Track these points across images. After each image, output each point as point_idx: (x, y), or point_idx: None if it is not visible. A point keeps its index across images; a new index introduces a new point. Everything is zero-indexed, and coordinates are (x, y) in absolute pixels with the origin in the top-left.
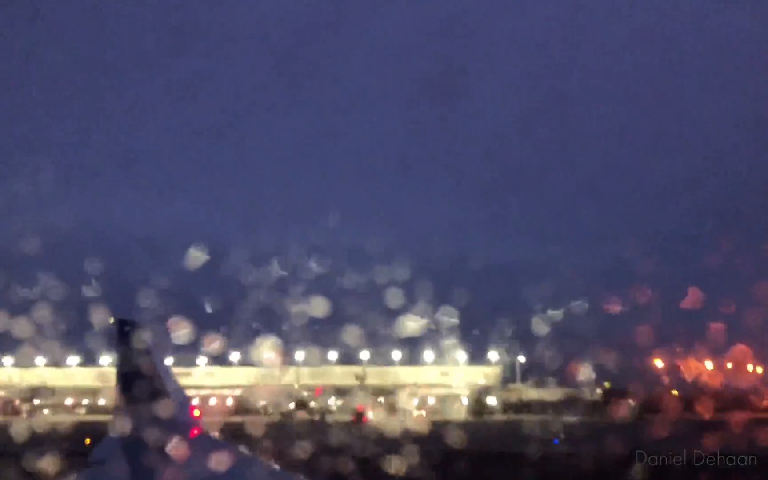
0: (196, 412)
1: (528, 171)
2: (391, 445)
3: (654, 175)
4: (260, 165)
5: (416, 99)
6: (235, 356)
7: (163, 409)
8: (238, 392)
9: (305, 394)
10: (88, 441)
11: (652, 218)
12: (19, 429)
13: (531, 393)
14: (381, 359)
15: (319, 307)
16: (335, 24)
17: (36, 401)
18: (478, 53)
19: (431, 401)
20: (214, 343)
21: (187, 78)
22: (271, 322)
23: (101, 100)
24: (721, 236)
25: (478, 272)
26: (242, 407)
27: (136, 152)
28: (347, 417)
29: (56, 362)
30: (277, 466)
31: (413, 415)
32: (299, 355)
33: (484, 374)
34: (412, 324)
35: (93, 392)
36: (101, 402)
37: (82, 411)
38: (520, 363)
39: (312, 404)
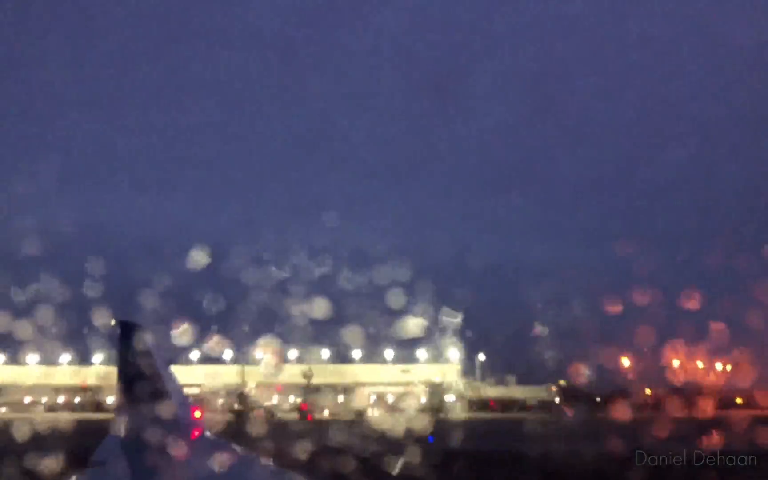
0: (197, 413)
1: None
2: (310, 440)
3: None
4: (249, 162)
5: (414, 96)
6: (195, 355)
7: (164, 409)
8: (195, 390)
9: (253, 392)
10: None
11: (621, 218)
12: None
13: (490, 391)
14: (341, 357)
15: (280, 305)
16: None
17: None
18: (477, 50)
19: (390, 399)
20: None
21: (184, 74)
22: (232, 320)
23: (92, 94)
24: (694, 235)
25: (443, 270)
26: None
27: (128, 149)
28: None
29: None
30: (278, 467)
31: (367, 412)
32: (258, 353)
33: (443, 372)
34: (374, 322)
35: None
36: (60, 400)
37: (39, 409)
38: (481, 361)
39: (265, 403)
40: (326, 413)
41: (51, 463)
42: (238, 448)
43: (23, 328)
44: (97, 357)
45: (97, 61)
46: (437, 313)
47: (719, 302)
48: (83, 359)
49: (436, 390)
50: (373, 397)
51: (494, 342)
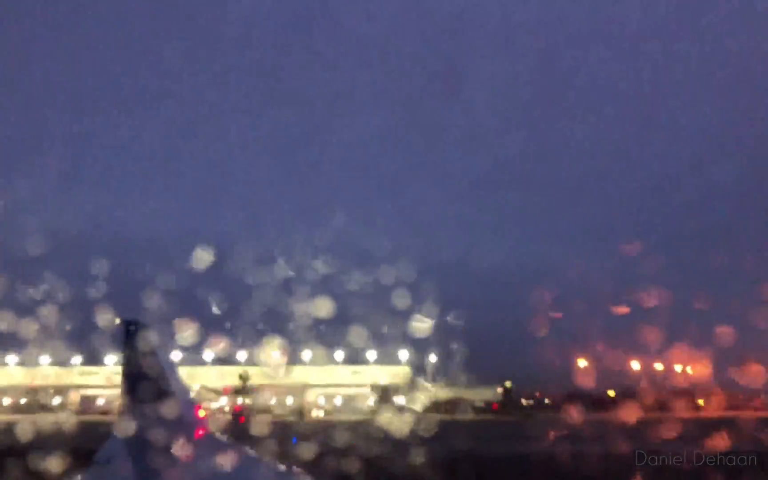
0: (201, 413)
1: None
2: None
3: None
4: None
5: (406, 96)
6: None
7: (168, 409)
8: None
9: (202, 394)
10: None
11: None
12: None
13: (441, 392)
14: (292, 358)
15: (232, 306)
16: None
17: None
18: (470, 50)
19: (338, 401)
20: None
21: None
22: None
23: (80, 95)
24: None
25: (397, 272)
26: None
27: (116, 149)
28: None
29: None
30: (282, 466)
31: (311, 414)
32: (208, 354)
33: (394, 374)
34: (327, 323)
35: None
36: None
37: None
38: (432, 363)
39: (212, 405)
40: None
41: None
42: (241, 448)
43: None
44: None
45: (81, 58)
46: (391, 313)
47: (678, 305)
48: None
49: (383, 392)
50: (321, 399)
51: (449, 343)
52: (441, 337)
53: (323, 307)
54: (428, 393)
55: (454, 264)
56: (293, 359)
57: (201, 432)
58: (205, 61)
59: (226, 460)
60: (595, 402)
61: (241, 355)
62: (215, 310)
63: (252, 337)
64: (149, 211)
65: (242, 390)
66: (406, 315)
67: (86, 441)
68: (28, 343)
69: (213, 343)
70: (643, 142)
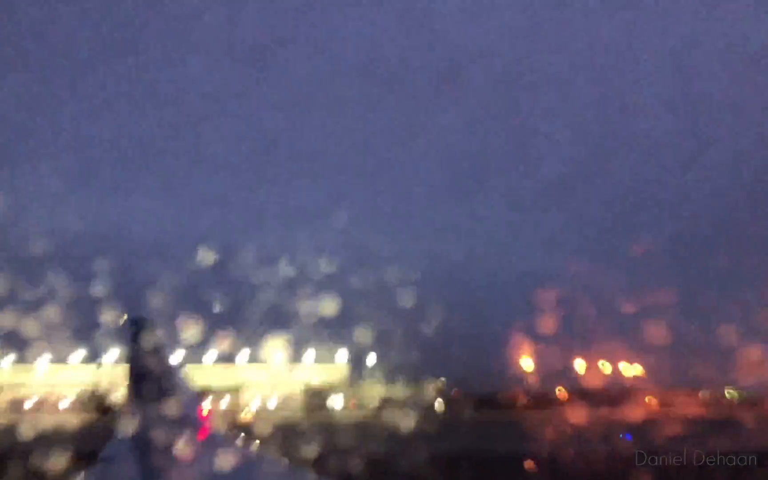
0: (206, 411)
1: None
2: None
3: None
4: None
5: (382, 100)
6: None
7: (173, 407)
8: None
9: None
10: None
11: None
12: None
13: (379, 391)
14: (226, 358)
15: (171, 304)
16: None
17: None
18: (450, 52)
19: (273, 401)
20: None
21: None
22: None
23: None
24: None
25: (333, 269)
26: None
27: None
28: None
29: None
30: (287, 464)
31: (241, 415)
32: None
33: (330, 373)
34: (267, 322)
35: None
36: None
37: None
38: (370, 362)
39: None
40: None
41: None
42: (246, 446)
43: None
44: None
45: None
46: (331, 314)
47: (623, 308)
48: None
49: (315, 391)
50: (257, 400)
51: (388, 341)
52: (382, 336)
53: (263, 305)
54: (366, 391)
55: (398, 261)
56: (231, 358)
57: (205, 431)
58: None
59: (230, 459)
60: (540, 400)
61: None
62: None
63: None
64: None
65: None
66: (346, 313)
67: None
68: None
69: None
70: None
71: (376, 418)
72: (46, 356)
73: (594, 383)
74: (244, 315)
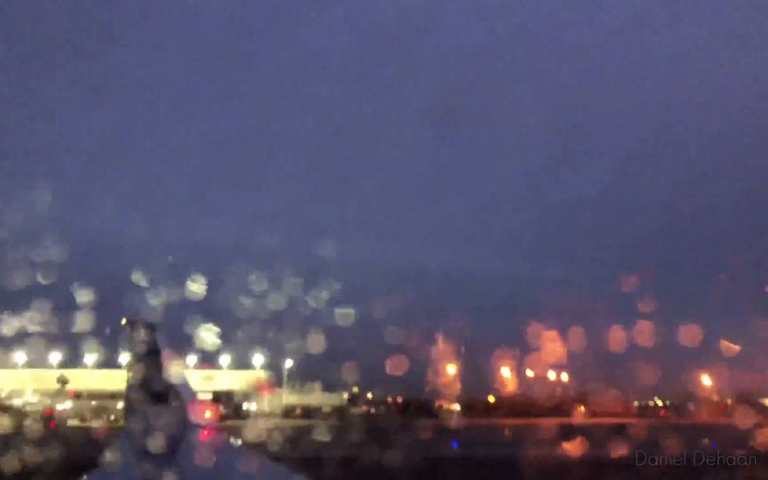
0: (208, 414)
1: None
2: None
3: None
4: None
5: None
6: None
7: (175, 410)
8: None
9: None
10: None
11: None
12: None
13: (291, 398)
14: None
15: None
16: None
17: None
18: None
19: None
20: None
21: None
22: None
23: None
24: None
25: (257, 273)
26: None
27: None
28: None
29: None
30: (288, 469)
31: None
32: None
33: (247, 379)
34: (179, 326)
35: None
36: None
37: None
38: (288, 368)
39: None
40: (78, 421)
41: None
42: (248, 450)
43: None
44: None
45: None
46: (247, 316)
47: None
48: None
49: (229, 397)
50: None
51: (308, 348)
52: (300, 342)
53: (175, 309)
54: (281, 398)
55: (321, 265)
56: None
57: (207, 433)
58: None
59: (232, 462)
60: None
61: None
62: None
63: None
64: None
65: (60, 393)
66: (263, 318)
67: None
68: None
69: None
70: None
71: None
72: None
73: (511, 391)
74: (164, 318)
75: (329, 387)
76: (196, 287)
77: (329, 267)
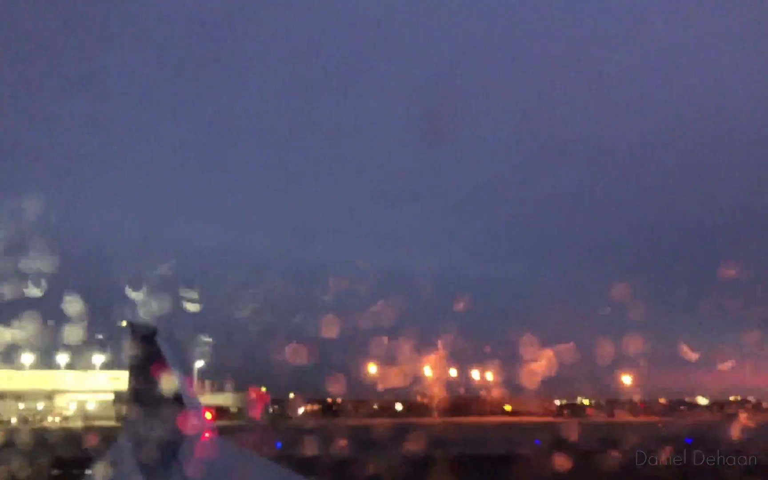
0: (208, 415)
1: None
2: None
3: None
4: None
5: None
6: None
7: (175, 412)
8: None
9: None
10: None
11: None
12: None
13: (201, 399)
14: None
15: None
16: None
17: None
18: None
19: (91, 406)
20: None
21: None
22: None
23: None
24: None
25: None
26: None
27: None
28: None
29: None
30: (290, 471)
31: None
32: None
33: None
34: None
35: None
36: None
37: None
38: (199, 368)
39: None
40: None
41: None
42: (248, 452)
43: None
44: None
45: None
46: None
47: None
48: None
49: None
50: (72, 405)
51: (217, 349)
52: (209, 342)
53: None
54: None
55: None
56: (48, 363)
57: (208, 435)
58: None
59: (232, 464)
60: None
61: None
62: None
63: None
64: None
65: None
66: (172, 317)
67: None
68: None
69: None
70: None
71: None
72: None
73: (439, 391)
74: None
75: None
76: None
77: (245, 266)
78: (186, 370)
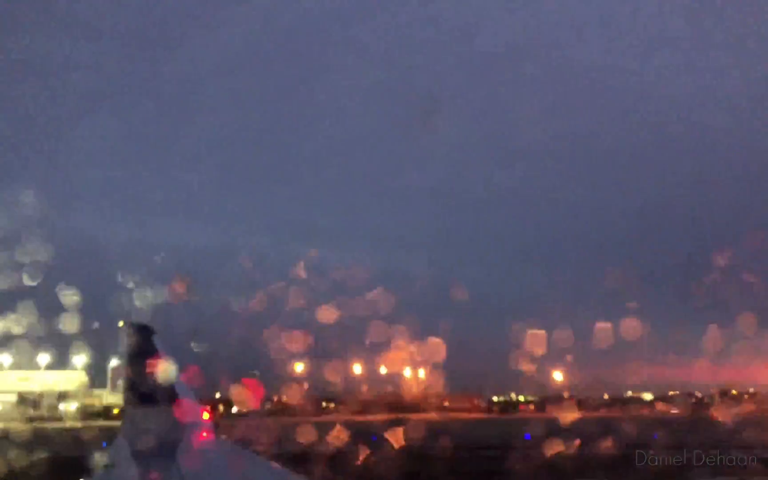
0: (206, 415)
1: None
2: None
3: None
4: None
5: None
6: None
7: (173, 411)
8: None
9: None
10: None
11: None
12: None
13: (111, 398)
14: None
15: None
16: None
17: None
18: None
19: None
20: None
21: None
22: None
23: None
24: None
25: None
26: None
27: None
28: None
29: None
30: (287, 470)
31: None
32: None
33: (68, 379)
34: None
35: None
36: None
37: None
38: (113, 368)
39: None
40: None
41: None
42: (245, 451)
43: None
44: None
45: None
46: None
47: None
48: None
49: (39, 398)
50: None
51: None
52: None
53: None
54: (100, 399)
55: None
56: None
57: (205, 434)
58: None
59: (230, 463)
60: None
61: None
62: None
63: None
64: None
65: None
66: (86, 316)
67: None
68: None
69: None
70: None
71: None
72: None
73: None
74: None
75: None
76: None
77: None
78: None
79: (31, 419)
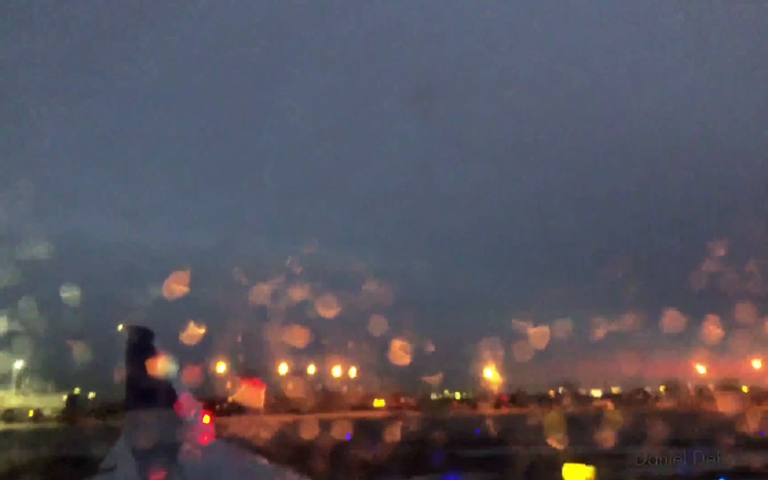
0: (207, 418)
1: None
2: None
3: None
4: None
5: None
6: None
7: (174, 414)
8: None
9: None
10: None
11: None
12: None
13: (14, 400)
14: None
15: None
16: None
17: None
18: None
19: None
20: None
21: None
22: None
23: None
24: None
25: None
26: None
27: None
28: None
29: None
30: (290, 471)
31: None
32: None
33: None
34: None
35: None
36: None
37: None
38: (19, 369)
39: None
40: None
41: None
42: (247, 453)
43: None
44: None
45: None
46: None
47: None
48: None
49: None
50: None
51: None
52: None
53: None
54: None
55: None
56: None
57: (207, 437)
58: None
59: (232, 466)
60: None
61: None
62: None
63: None
64: None
65: None
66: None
67: None
68: None
69: None
70: None
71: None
72: None
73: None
74: None
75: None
76: None
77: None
78: (183, 373)
79: None
